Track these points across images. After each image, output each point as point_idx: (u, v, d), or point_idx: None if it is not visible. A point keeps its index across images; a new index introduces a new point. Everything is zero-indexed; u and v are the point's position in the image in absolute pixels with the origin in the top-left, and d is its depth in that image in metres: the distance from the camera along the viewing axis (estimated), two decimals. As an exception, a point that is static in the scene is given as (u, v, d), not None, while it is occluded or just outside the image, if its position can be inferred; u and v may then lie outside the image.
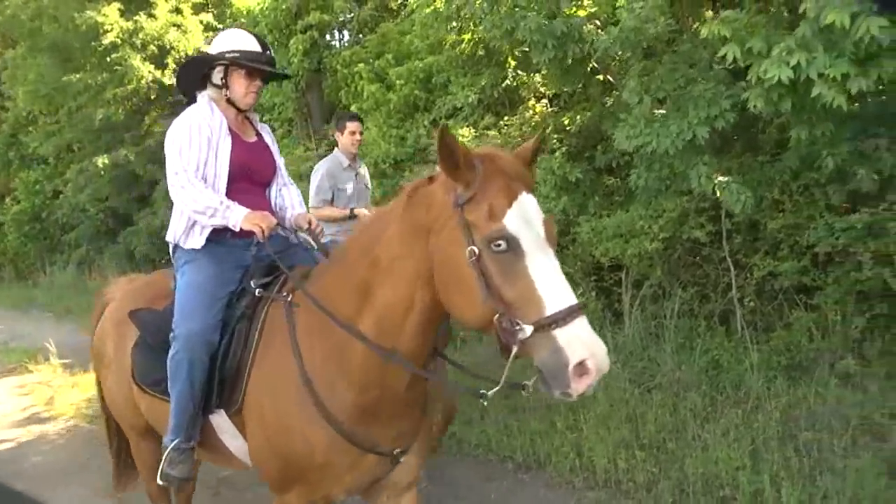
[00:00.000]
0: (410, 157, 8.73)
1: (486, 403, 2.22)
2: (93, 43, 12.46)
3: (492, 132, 7.36)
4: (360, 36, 11.66)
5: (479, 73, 7.92)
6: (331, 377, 2.37)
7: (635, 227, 5.76)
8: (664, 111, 5.25)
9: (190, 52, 12.84)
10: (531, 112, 7.40)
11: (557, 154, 6.47)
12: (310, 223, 2.94)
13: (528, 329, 1.86)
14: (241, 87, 2.90)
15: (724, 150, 5.67)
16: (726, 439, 4.15)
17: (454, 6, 6.95)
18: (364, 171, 5.49)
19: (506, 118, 7.58)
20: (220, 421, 2.69)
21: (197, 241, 2.83)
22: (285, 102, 12.30)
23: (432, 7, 7.79)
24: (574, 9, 6.10)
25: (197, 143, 2.77)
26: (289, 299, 2.54)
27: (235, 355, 2.59)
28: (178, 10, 13.04)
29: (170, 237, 2.93)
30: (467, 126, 7.74)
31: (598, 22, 6.13)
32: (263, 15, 11.93)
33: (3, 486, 3.49)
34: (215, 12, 13.69)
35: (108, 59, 12.57)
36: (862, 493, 3.52)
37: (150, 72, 12.55)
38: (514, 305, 1.90)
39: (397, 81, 9.19)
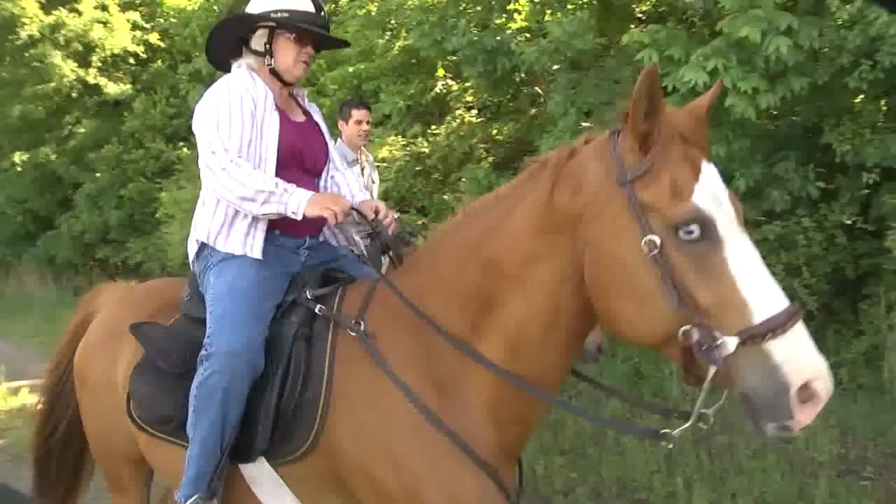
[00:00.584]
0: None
1: (670, 446, 1.71)
2: (10, 36, 11.97)
3: (419, 140, 7.40)
4: (294, 40, 11.55)
5: (408, 81, 7.97)
6: (459, 412, 1.82)
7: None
8: (590, 124, 5.38)
9: (116, 51, 12.48)
10: (459, 121, 7.47)
11: (484, 163, 6.56)
12: (377, 211, 2.30)
13: (732, 342, 1.43)
14: (289, 54, 2.30)
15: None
16: (643, 444, 4.25)
17: (385, 10, 7.00)
18: (371, 164, 5.00)
19: (434, 127, 7.64)
20: (258, 472, 2.06)
21: (239, 243, 2.20)
22: (214, 106, 12.07)
23: (364, 11, 7.81)
24: (504, 20, 6.22)
25: (239, 118, 2.17)
26: (361, 327, 1.96)
27: (295, 387, 1.98)
28: (104, 7, 12.64)
29: (200, 235, 2.28)
30: (396, 134, 7.77)
31: (527, 35, 6.26)
32: (195, 16, 11.69)
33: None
34: (144, 11, 13.32)
35: (27, 54, 12.08)
36: (767, 490, 3.67)
37: (72, 70, 12.11)
38: (711, 312, 1.46)
39: (331, 87, 9.15)
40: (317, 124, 2.51)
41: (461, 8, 6.45)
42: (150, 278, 11.55)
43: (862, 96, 4.98)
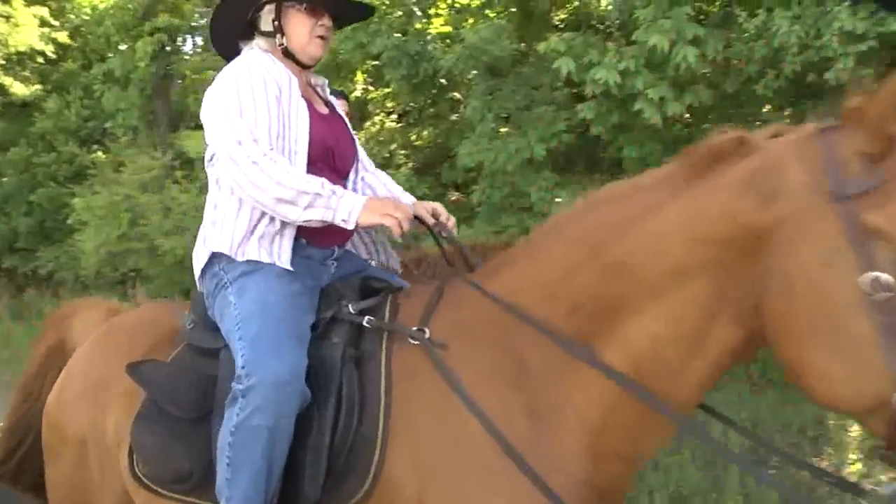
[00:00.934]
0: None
1: None
2: None
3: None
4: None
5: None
6: (549, 442, 1.48)
7: (478, 243, 5.98)
8: (508, 129, 5.48)
9: (22, 49, 11.92)
10: (379, 127, 7.49)
11: (404, 169, 6.59)
12: (436, 214, 2.00)
13: None
14: (302, 29, 1.91)
15: (567, 168, 5.99)
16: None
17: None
18: None
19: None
20: None
21: (264, 251, 1.83)
22: (130, 108, 11.69)
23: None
24: (424, 25, 6.28)
25: (264, 104, 1.79)
26: (426, 335, 1.61)
27: (350, 422, 1.62)
28: (5, 1, 12.03)
29: (219, 246, 1.86)
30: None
31: (448, 41, 6.33)
32: (109, 14, 11.32)
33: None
34: (53, 6, 12.74)
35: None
36: (683, 485, 3.80)
37: (-27, 68, 11.52)
38: None
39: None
40: (342, 118, 2.17)
41: (383, 12, 6.46)
42: (63, 288, 11.20)
43: (769, 107, 5.25)
